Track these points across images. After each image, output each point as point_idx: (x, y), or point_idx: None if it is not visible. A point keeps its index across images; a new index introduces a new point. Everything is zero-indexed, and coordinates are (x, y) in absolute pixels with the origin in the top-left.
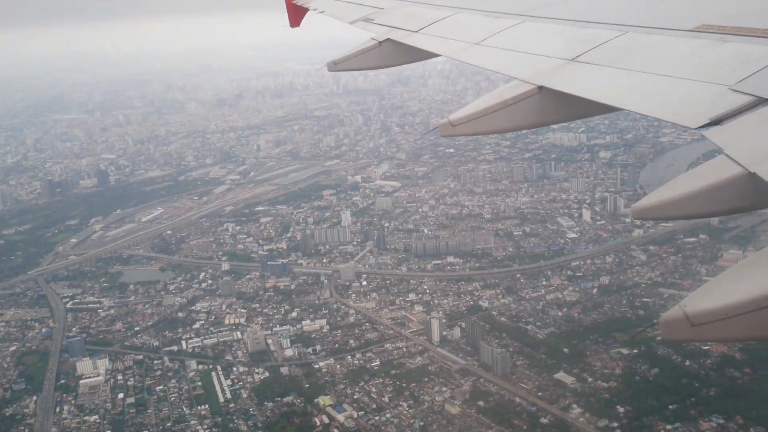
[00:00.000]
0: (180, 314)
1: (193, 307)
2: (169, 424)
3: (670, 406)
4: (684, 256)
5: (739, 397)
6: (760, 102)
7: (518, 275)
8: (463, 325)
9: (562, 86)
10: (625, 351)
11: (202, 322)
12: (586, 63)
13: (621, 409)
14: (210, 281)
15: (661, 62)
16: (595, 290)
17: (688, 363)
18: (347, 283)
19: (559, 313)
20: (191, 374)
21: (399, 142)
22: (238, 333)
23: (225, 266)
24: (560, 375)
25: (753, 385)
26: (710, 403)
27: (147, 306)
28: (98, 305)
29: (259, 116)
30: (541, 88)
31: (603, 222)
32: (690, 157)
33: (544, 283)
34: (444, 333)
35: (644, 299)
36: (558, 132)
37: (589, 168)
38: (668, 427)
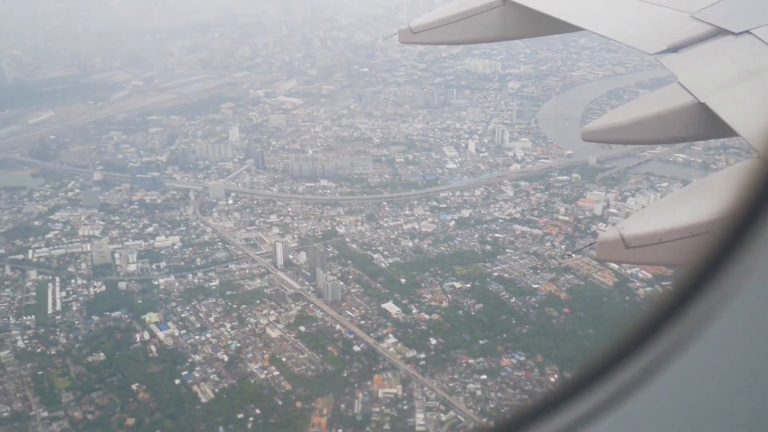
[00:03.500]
0: (36, 222)
1: (52, 216)
2: None
3: (481, 341)
4: (550, 194)
5: (547, 335)
6: (717, 32)
7: (385, 203)
8: (309, 250)
9: (526, 0)
10: (458, 285)
11: (57, 232)
12: None
13: (433, 341)
14: (77, 191)
15: None
16: (452, 222)
17: (513, 300)
18: (215, 201)
19: (410, 244)
20: (29, 284)
21: (316, 57)
22: (89, 245)
23: (97, 176)
24: (388, 305)
25: (565, 326)
26: (519, 340)
27: (5, 212)
28: None
29: (184, 19)
30: (504, 0)
31: (486, 154)
32: (595, 94)
33: (406, 212)
34: (290, 257)
35: (496, 234)
36: (476, 59)
37: (494, 98)
38: (471, 360)
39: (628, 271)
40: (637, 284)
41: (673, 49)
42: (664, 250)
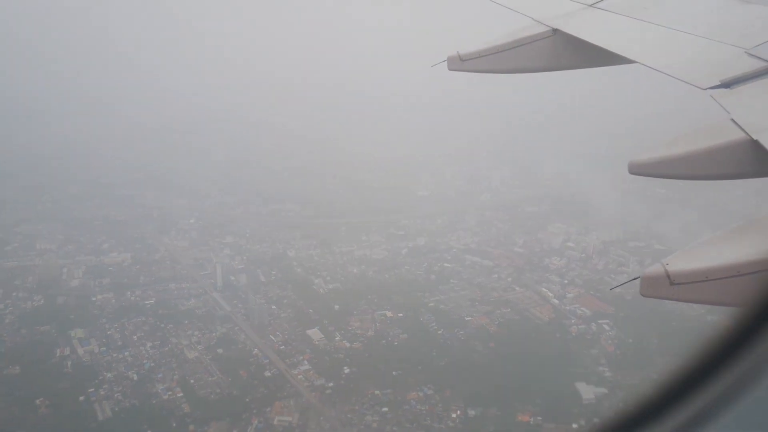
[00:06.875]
0: (0, 235)
1: (17, 228)
2: None
3: (394, 372)
4: (513, 225)
5: (463, 370)
6: None
7: (344, 228)
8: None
9: (577, 31)
10: (390, 314)
11: (17, 245)
12: (604, 10)
13: (347, 370)
14: (50, 204)
15: (681, 17)
16: (404, 251)
17: (441, 332)
18: (178, 220)
19: (355, 270)
20: None
21: (324, 78)
22: (39, 259)
23: (73, 190)
24: (312, 331)
25: (485, 361)
26: (434, 372)
27: None
28: None
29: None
30: (555, 30)
31: (462, 182)
32: (599, 127)
33: (362, 238)
34: (232, 278)
35: (446, 264)
36: (492, 85)
37: (492, 125)
38: (377, 392)
39: (567, 308)
40: (573, 321)
41: (726, 85)
42: (711, 288)
